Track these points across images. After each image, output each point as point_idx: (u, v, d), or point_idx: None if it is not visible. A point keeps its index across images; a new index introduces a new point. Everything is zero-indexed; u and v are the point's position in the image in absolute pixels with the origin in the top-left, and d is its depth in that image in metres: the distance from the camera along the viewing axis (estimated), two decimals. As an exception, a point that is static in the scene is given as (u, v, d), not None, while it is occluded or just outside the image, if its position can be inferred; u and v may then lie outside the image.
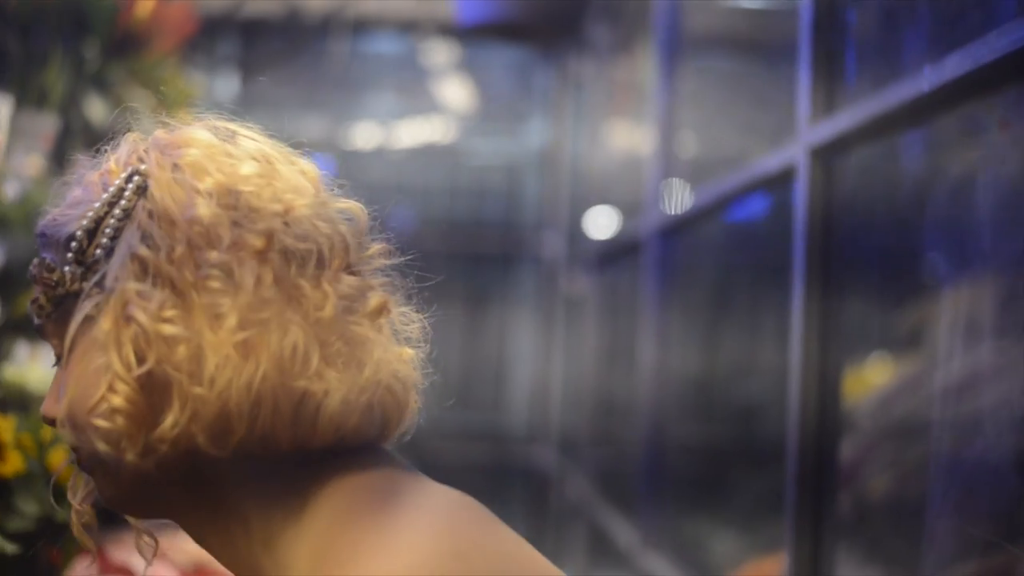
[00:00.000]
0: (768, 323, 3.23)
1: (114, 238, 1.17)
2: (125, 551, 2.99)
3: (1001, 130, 1.78)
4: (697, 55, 3.85)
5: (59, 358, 1.23)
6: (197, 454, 1.13)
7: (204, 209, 1.15)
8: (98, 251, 1.17)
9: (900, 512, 2.17)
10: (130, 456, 1.13)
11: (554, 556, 1.18)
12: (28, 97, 3.30)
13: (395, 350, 1.23)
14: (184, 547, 3.11)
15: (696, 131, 3.72)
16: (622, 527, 4.28)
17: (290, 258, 1.16)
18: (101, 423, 1.13)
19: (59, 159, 3.43)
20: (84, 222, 1.18)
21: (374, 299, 1.21)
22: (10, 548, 2.16)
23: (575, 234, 6.09)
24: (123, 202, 1.18)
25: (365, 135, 6.41)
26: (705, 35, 3.88)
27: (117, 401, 1.12)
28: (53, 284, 1.19)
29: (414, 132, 6.42)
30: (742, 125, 3.36)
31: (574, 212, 6.12)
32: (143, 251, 1.14)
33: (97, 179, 1.22)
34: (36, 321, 1.22)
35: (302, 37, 5.37)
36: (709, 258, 3.66)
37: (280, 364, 1.12)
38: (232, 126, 1.26)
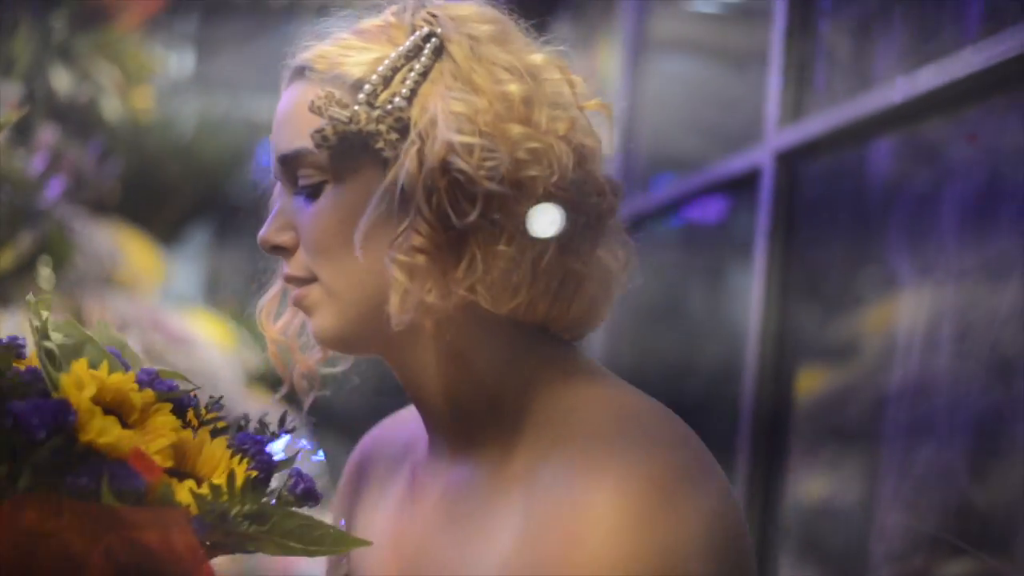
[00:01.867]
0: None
1: (413, 91, 1.24)
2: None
3: (969, 143, 1.84)
4: (661, 58, 3.89)
5: (305, 188, 1.29)
6: (465, 309, 1.24)
7: (514, 86, 1.24)
8: (396, 99, 1.24)
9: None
10: (432, 297, 1.22)
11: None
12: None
13: None
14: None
15: (658, 133, 3.76)
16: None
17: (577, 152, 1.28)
18: (402, 257, 1.22)
19: (20, 127, 3.44)
20: (380, 68, 1.25)
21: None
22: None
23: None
24: (423, 59, 1.26)
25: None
26: (671, 38, 3.92)
27: (419, 241, 1.22)
28: (346, 120, 1.24)
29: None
30: (705, 129, 3.41)
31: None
32: (458, 107, 1.22)
33: (377, 30, 1.30)
34: (310, 148, 1.26)
35: (265, 18, 5.37)
36: (658, 261, 3.71)
37: (562, 240, 1.25)
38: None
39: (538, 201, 1.23)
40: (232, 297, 5.00)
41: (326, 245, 1.28)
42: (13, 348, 1.15)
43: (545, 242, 1.24)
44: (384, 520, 1.41)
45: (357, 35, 1.30)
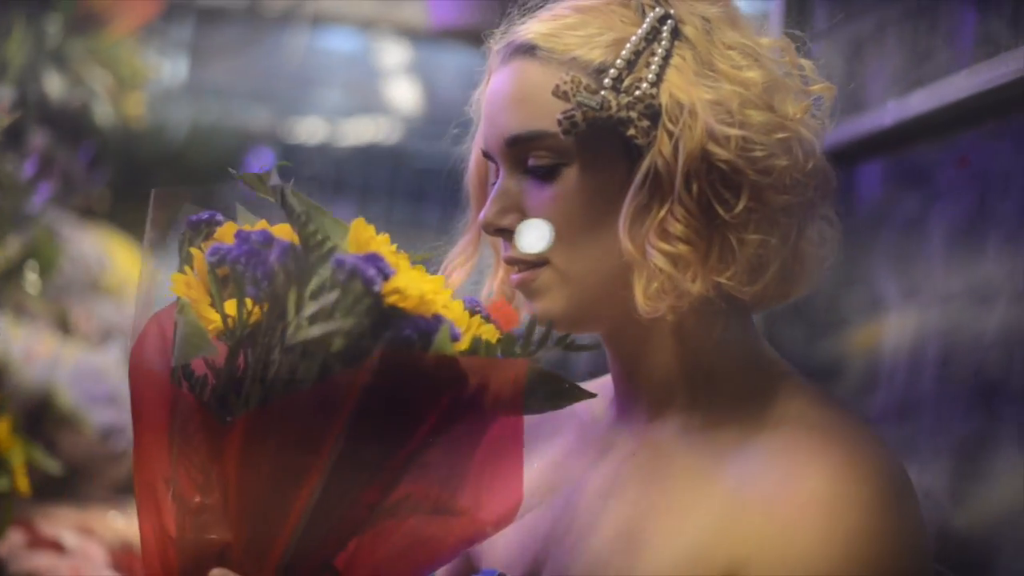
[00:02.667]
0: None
1: (659, 76, 1.24)
2: (55, 526, 2.99)
3: (959, 167, 1.84)
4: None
5: (538, 170, 1.29)
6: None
7: (753, 72, 1.25)
8: (643, 84, 1.23)
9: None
10: (697, 285, 1.22)
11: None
12: (-13, 68, 3.30)
13: None
14: (113, 525, 3.12)
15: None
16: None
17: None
18: (666, 246, 1.22)
19: (12, 131, 3.43)
20: (624, 52, 1.25)
21: None
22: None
23: (512, 244, 6.10)
24: (663, 42, 1.25)
25: (309, 129, 6.41)
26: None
27: (679, 230, 1.22)
28: (597, 106, 1.23)
29: (359, 130, 6.44)
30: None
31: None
32: (709, 95, 1.23)
33: (601, 8, 1.29)
34: (551, 130, 1.26)
35: (259, 28, 5.37)
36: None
37: (800, 225, 1.28)
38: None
39: (785, 189, 1.23)
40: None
41: (565, 228, 1.28)
42: (213, 220, 1.20)
43: (789, 228, 1.25)
44: (550, 467, 1.41)
45: (580, 13, 1.30)
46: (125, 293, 4.09)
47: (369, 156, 6.39)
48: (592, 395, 1.21)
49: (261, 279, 1.09)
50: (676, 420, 1.30)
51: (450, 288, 1.18)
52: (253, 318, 1.12)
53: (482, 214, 1.32)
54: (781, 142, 1.23)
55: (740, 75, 1.24)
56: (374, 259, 1.07)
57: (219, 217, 1.21)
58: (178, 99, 5.34)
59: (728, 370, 1.30)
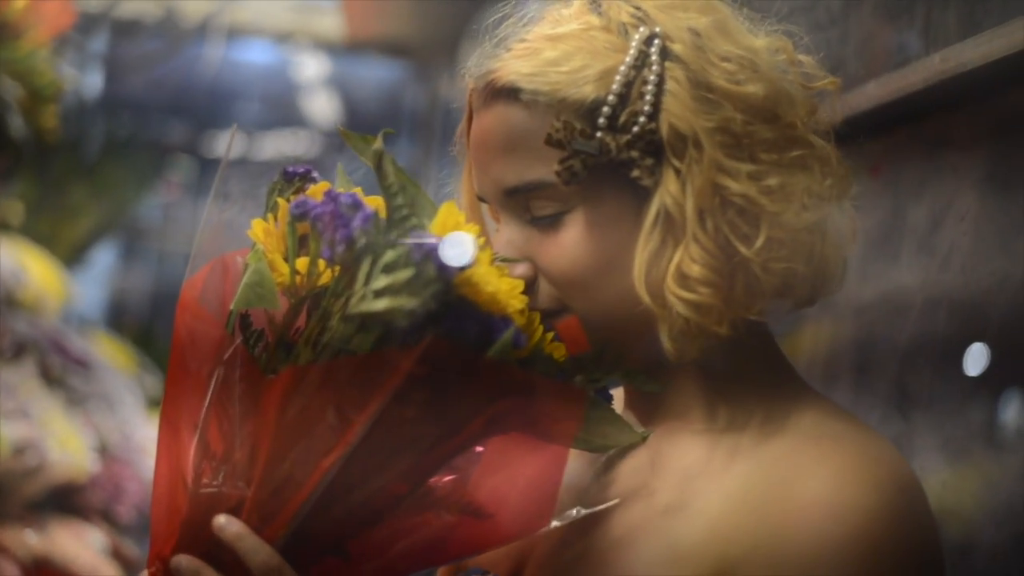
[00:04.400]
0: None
1: (655, 106, 1.16)
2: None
3: (872, 176, 1.85)
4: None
5: (542, 220, 1.22)
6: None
7: (752, 86, 1.17)
8: (640, 119, 1.16)
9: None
10: (723, 328, 1.16)
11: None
12: None
13: None
14: (27, 543, 3.08)
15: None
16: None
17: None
18: (687, 295, 1.15)
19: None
20: (614, 86, 1.17)
21: None
22: None
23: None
24: (653, 67, 1.16)
25: (228, 143, 6.37)
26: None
27: (698, 272, 1.15)
28: (595, 152, 1.16)
29: (277, 144, 6.41)
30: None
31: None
32: (710, 122, 1.15)
33: (578, 35, 1.20)
34: (550, 180, 1.19)
35: (175, 40, 5.33)
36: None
37: (823, 228, 1.20)
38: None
39: (805, 208, 1.16)
40: (135, 320, 4.94)
41: (578, 275, 1.21)
42: (308, 176, 1.18)
43: (813, 244, 1.19)
44: None
45: (559, 42, 1.21)
46: (41, 307, 4.05)
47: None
48: (642, 438, 1.20)
49: (338, 242, 1.06)
50: (690, 428, 1.25)
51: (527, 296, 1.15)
52: (323, 280, 1.10)
53: None
54: (795, 160, 1.17)
55: (740, 90, 1.16)
56: (455, 244, 1.04)
57: (315, 175, 1.19)
58: (94, 112, 5.30)
59: (747, 381, 1.24)
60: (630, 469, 1.26)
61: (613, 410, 1.19)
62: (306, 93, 6.40)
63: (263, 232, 1.14)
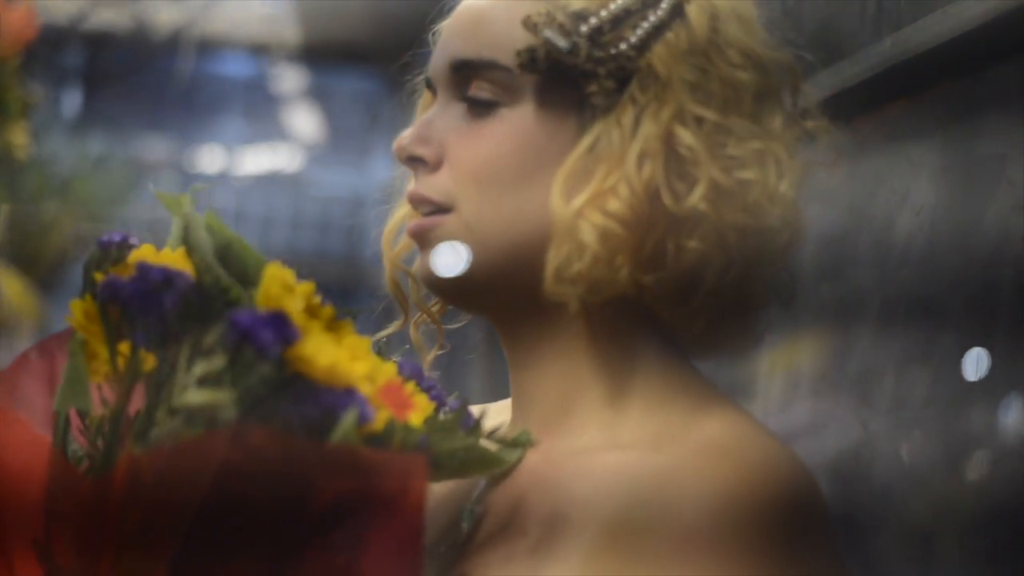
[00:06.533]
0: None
1: (644, 43, 1.11)
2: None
3: (829, 170, 1.79)
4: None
5: (474, 102, 1.15)
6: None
7: (747, 75, 1.11)
8: (623, 46, 1.10)
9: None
10: (621, 274, 1.08)
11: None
12: None
13: None
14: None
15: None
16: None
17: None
18: (599, 218, 1.08)
19: None
20: (612, 7, 1.11)
21: None
22: None
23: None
24: (660, 13, 1.12)
25: (209, 158, 6.34)
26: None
27: (617, 207, 1.08)
28: (565, 49, 1.11)
29: (259, 159, 6.37)
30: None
31: (417, 248, 6.10)
32: (691, 77, 1.10)
33: None
34: (503, 62, 1.13)
35: (148, 53, 5.29)
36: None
37: (750, 259, 1.12)
38: None
39: (745, 209, 1.10)
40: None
41: (486, 174, 1.13)
42: (126, 244, 1.02)
43: (736, 255, 1.11)
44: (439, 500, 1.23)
45: None
46: (14, 327, 4.01)
47: (270, 185, 6.34)
48: (508, 466, 1.12)
49: (151, 326, 0.96)
50: (566, 441, 1.16)
51: (375, 352, 1.03)
52: (147, 366, 0.97)
53: (397, 138, 1.16)
54: (756, 153, 1.10)
55: (732, 74, 1.11)
56: (276, 320, 0.92)
57: (133, 240, 1.06)
58: (69, 128, 5.27)
59: (638, 390, 1.14)
60: (503, 498, 1.17)
61: (477, 447, 1.09)
62: (286, 106, 6.36)
63: (83, 316, 1.01)
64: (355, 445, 0.95)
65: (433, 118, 1.16)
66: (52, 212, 4.73)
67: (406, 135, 1.16)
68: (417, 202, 1.15)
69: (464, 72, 1.15)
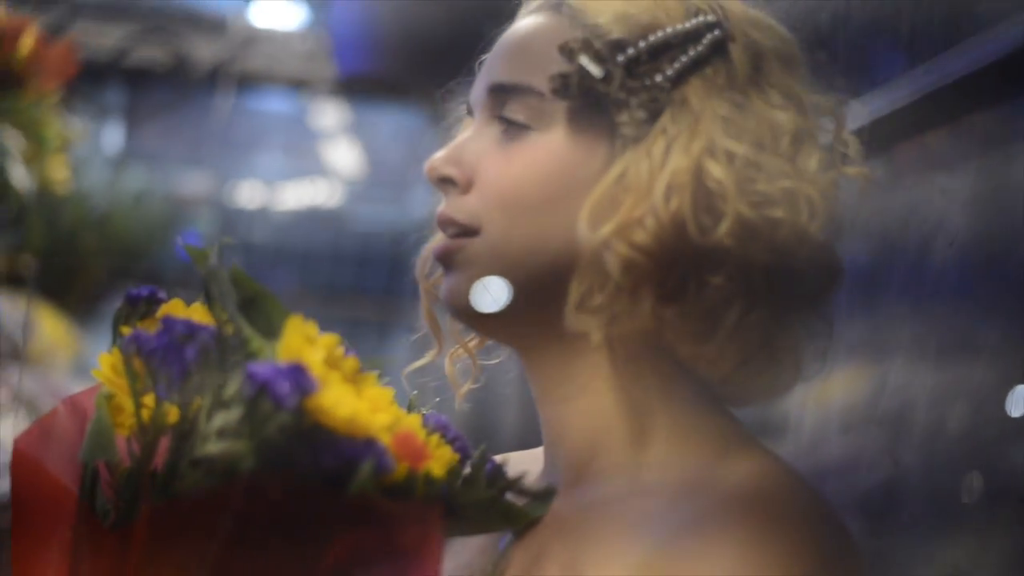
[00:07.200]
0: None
1: (680, 76, 1.10)
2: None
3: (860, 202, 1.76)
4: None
5: (507, 124, 1.15)
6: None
7: (785, 115, 1.11)
8: (659, 77, 1.10)
9: None
10: (644, 307, 1.08)
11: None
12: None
13: None
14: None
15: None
16: None
17: None
18: (625, 249, 1.07)
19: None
20: (652, 38, 1.11)
21: None
22: None
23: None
24: (700, 48, 1.11)
25: (249, 194, 6.35)
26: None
27: (644, 239, 1.07)
28: (599, 77, 1.10)
29: (299, 194, 6.37)
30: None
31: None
32: (725, 112, 1.09)
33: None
34: (538, 87, 1.13)
35: (188, 88, 5.31)
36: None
37: (777, 304, 1.12)
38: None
39: (773, 249, 1.08)
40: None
41: (513, 197, 1.13)
42: (154, 298, 1.06)
43: (761, 295, 1.09)
44: (476, 551, 1.22)
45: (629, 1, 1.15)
46: (50, 361, 4.01)
47: (310, 220, 6.34)
48: (535, 518, 1.10)
49: (173, 379, 0.96)
50: (593, 487, 1.13)
51: (398, 402, 1.04)
52: (171, 419, 0.98)
53: (429, 158, 1.17)
54: (786, 192, 1.09)
55: (771, 114, 1.11)
56: (293, 372, 0.92)
57: (161, 295, 1.06)
58: (108, 163, 5.28)
59: (662, 429, 1.13)
60: (530, 548, 1.14)
61: (503, 501, 1.08)
62: (326, 141, 6.37)
63: (110, 369, 1.02)
64: (372, 495, 0.94)
65: (466, 141, 1.16)
66: (90, 246, 4.74)
67: (438, 156, 1.16)
68: (444, 223, 1.15)
69: (500, 95, 1.15)
